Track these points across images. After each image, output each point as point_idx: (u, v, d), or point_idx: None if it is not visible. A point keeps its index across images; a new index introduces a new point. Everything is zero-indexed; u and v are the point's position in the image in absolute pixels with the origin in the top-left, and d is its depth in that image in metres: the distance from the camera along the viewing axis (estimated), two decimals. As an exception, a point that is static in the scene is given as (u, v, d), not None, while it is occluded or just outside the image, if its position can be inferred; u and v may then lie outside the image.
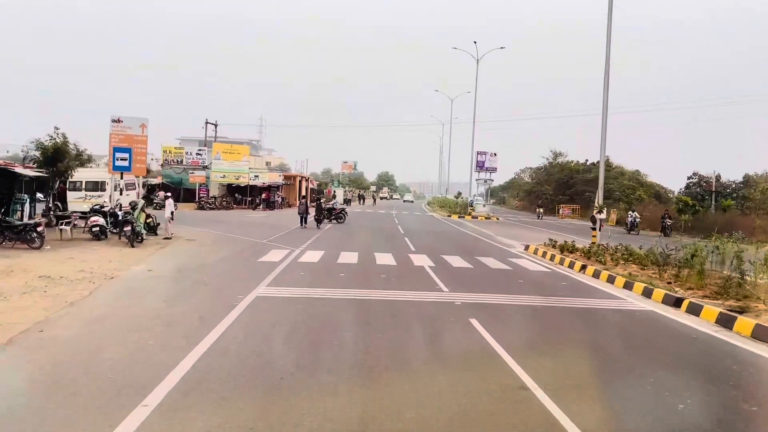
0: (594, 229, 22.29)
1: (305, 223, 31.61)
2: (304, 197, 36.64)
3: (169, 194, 23.45)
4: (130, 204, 21.95)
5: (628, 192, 58.81)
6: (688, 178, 69.39)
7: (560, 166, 77.05)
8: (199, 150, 51.63)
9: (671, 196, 72.22)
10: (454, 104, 76.49)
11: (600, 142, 22.24)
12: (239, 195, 53.49)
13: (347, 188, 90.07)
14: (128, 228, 19.45)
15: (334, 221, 33.66)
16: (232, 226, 31.16)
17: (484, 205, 49.99)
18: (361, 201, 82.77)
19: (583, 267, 16.97)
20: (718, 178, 66.01)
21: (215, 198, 49.72)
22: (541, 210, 55.55)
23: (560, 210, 65.54)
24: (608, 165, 74.71)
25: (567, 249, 20.11)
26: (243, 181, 51.59)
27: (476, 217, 48.59)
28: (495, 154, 54.05)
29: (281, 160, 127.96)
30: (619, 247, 20.19)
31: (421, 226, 36.23)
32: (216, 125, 53.60)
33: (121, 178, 22.68)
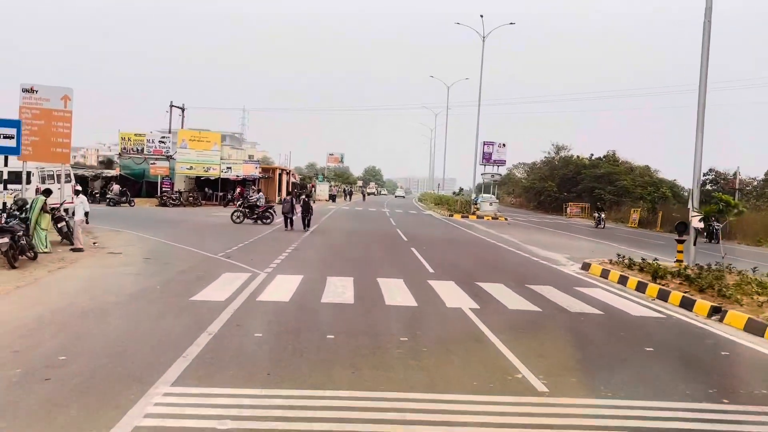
0: (681, 242, 16.01)
1: (291, 225, 25.44)
2: (290, 194, 30.15)
3: (79, 188, 16.78)
4: (16, 202, 15.31)
5: (651, 190, 52.84)
6: (704, 175, 63.78)
7: (565, 161, 71.04)
8: (163, 137, 44.73)
9: (684, 194, 66.53)
10: (444, 94, 70.19)
11: (696, 129, 15.88)
12: (209, 189, 46.78)
13: (332, 183, 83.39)
14: (4, 240, 12.80)
15: (255, 221, 27.10)
16: (189, 229, 24.59)
17: (491, 204, 43.62)
18: (348, 197, 76.22)
19: (716, 310, 10.65)
20: (736, 174, 60.54)
21: (180, 193, 42.98)
22: (603, 215, 40.26)
23: (568, 209, 59.53)
24: (615, 160, 68.97)
25: (656, 273, 13.78)
26: (213, 173, 44.84)
27: (482, 217, 42.30)
28: (504, 145, 47.58)
29: (264, 154, 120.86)
30: (714, 267, 13.99)
31: (425, 230, 29.83)
32: (183, 109, 46.73)
33: (5, 164, 15.93)
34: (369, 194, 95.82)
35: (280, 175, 52.95)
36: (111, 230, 22.40)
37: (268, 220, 27.24)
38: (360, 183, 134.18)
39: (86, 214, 16.55)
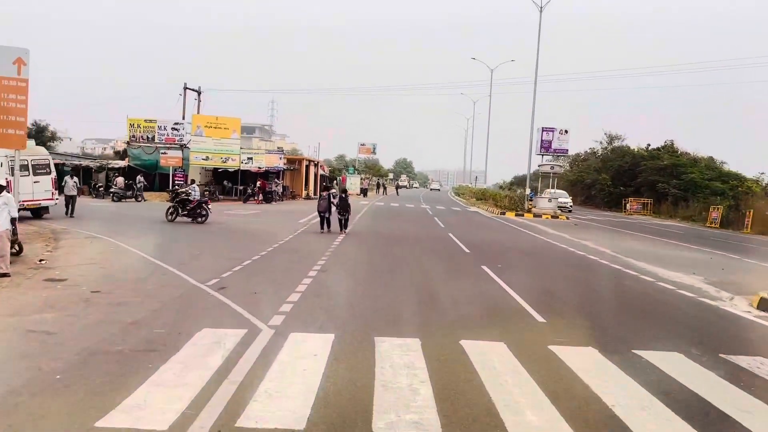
0: None
1: (326, 226, 21.06)
2: (326, 188, 24.80)
3: (3, 183, 11.56)
4: None
5: (734, 183, 46.24)
6: (779, 167, 56.52)
7: (621, 152, 64.42)
8: (176, 124, 39.80)
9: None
10: (481, 82, 64.44)
11: None
12: (229, 183, 41.79)
13: (363, 175, 77.98)
14: None
15: (192, 220, 22.37)
16: (190, 233, 19.50)
17: (550, 200, 37.69)
18: (382, 191, 70.69)
19: None
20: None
21: (195, 186, 37.96)
22: None
23: (627, 204, 53.19)
24: (674, 150, 62.06)
25: None
26: (232, 164, 39.79)
27: (539, 216, 36.46)
28: (566, 131, 41.33)
29: (294, 146, 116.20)
30: None
31: (484, 235, 24.19)
32: (199, 92, 41.72)
33: None
34: (401, 187, 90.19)
35: (307, 166, 47.71)
36: (87, 236, 17.40)
37: (202, 219, 22.25)
38: (391, 176, 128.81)
39: (13, 221, 11.35)
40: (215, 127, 39.28)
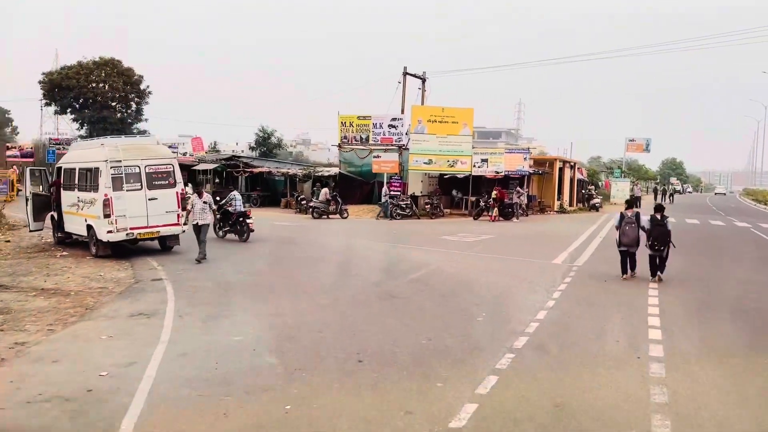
0: None
1: (632, 268, 12.18)
2: (633, 201, 14.59)
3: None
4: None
5: None
6: None
7: None
8: (393, 120, 31.76)
9: None
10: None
11: None
12: (458, 192, 32.61)
13: (632, 179, 63.02)
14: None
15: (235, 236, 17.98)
16: (360, 290, 10.41)
17: None
18: (669, 198, 55.27)
19: None
20: None
21: (413, 198, 29.56)
22: None
23: None
24: None
25: None
26: (462, 168, 30.43)
27: None
28: None
29: (542, 148, 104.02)
30: None
31: None
32: (423, 80, 33.24)
33: None
34: (675, 192, 72.41)
35: (561, 169, 36.28)
36: (135, 314, 9.23)
37: (244, 236, 17.67)
38: (657, 178, 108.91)
39: None
40: (440, 122, 30.36)
